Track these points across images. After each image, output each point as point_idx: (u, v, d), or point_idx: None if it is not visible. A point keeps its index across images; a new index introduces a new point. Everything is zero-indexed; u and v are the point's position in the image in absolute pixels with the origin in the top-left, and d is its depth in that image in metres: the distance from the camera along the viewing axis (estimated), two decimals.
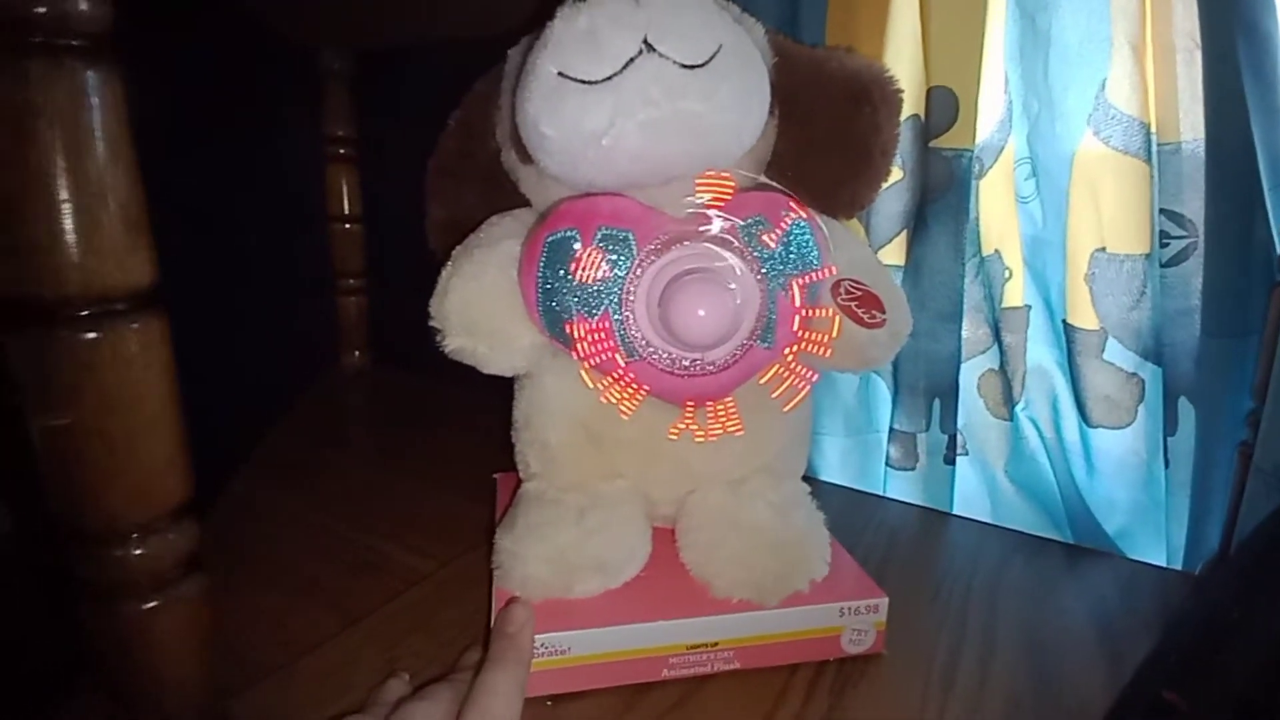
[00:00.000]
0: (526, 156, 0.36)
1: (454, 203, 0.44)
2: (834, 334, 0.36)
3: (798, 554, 0.39)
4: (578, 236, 0.34)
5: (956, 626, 0.42)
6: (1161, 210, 0.46)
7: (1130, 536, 0.52)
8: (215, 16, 0.61)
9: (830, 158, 0.39)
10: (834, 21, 0.53)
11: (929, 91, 0.50)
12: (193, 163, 0.56)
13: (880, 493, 0.59)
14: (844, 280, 0.38)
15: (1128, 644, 0.40)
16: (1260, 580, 0.34)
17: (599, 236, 0.34)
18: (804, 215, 0.35)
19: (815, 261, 0.36)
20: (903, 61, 0.51)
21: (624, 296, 0.35)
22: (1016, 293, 0.53)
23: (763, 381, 0.37)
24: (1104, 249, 0.48)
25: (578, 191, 0.36)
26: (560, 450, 0.40)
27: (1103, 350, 0.50)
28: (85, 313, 0.26)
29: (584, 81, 0.32)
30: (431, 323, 0.37)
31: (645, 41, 0.31)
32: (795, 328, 0.36)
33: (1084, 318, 0.50)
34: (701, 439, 0.37)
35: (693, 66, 0.32)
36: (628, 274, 0.35)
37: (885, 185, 0.41)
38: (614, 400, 0.36)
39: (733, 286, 0.35)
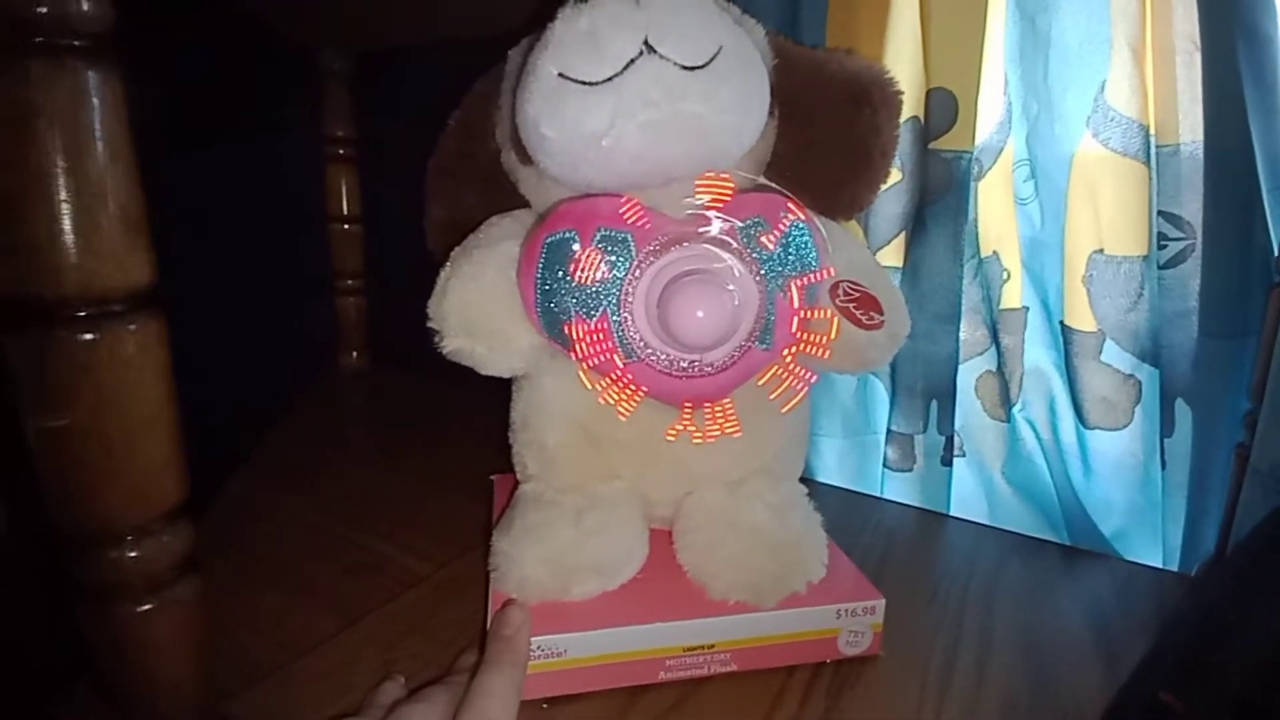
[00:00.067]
0: (526, 157, 0.36)
1: (453, 203, 0.44)
2: (832, 335, 0.36)
3: (795, 555, 0.39)
4: (577, 238, 0.34)
5: (953, 628, 0.42)
6: (1160, 212, 0.46)
7: (1127, 538, 0.52)
8: (215, 17, 0.61)
9: (830, 159, 0.39)
10: (834, 23, 0.53)
11: (928, 93, 0.51)
12: (192, 163, 0.56)
13: (878, 494, 0.59)
14: (842, 281, 0.38)
15: (1124, 645, 0.40)
16: (1257, 581, 0.34)
17: (598, 238, 0.34)
18: (803, 217, 0.35)
19: (814, 263, 0.36)
20: (902, 63, 0.51)
21: (622, 298, 0.35)
22: (1014, 294, 0.54)
23: (761, 383, 0.37)
24: (1102, 251, 0.48)
25: (577, 193, 0.36)
26: (558, 451, 0.40)
27: (1100, 352, 0.50)
28: (83, 313, 0.26)
29: (584, 82, 0.32)
30: (430, 323, 0.37)
31: (646, 43, 0.31)
32: (794, 329, 0.36)
33: (1082, 319, 0.50)
34: (699, 440, 0.37)
35: (693, 68, 0.32)
36: (626, 275, 0.35)
37: (884, 187, 0.41)
38: (612, 401, 0.36)
39: (731, 288, 0.35)
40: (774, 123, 0.38)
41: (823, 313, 0.36)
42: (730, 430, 0.37)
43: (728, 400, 0.37)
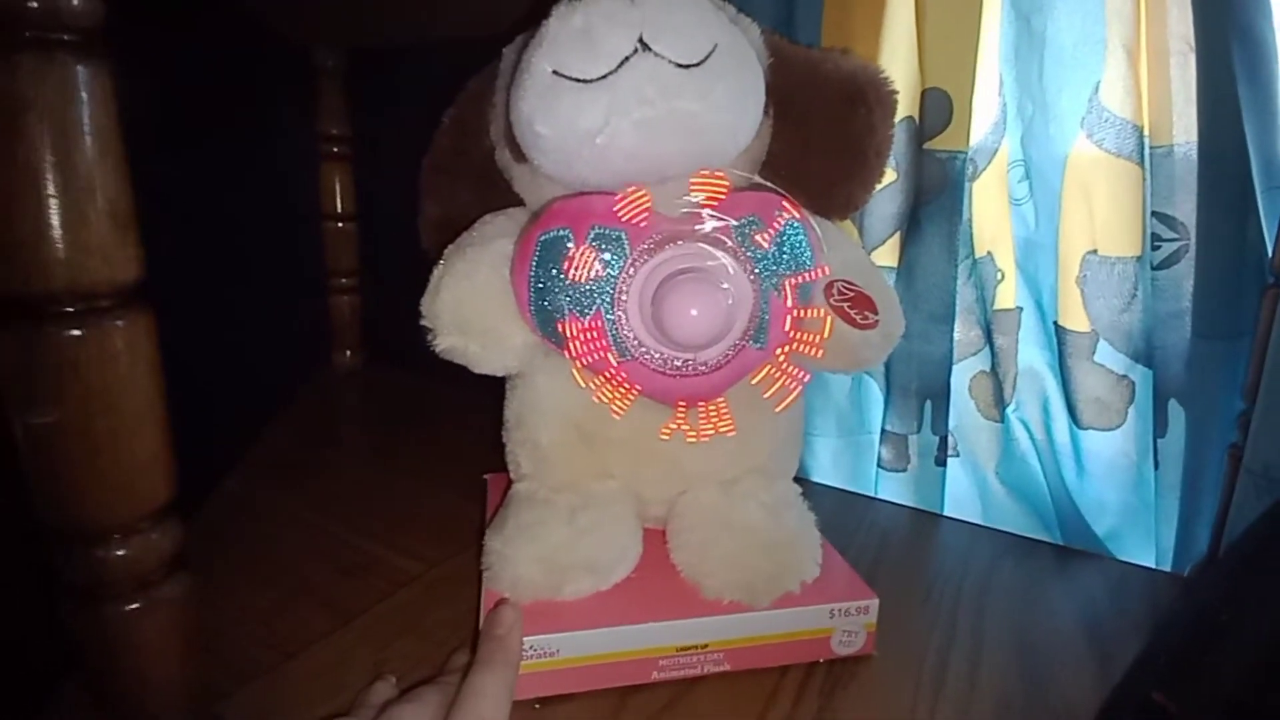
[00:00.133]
0: (520, 155, 0.36)
1: (448, 201, 0.44)
2: (826, 335, 0.36)
3: (789, 555, 0.39)
4: (570, 236, 0.34)
5: (947, 628, 0.42)
6: (1153, 213, 0.46)
7: (1120, 538, 0.52)
8: (209, 14, 0.61)
9: (825, 158, 0.39)
10: (829, 22, 0.53)
11: (923, 93, 0.51)
12: (185, 160, 0.55)
13: (872, 494, 0.59)
14: (837, 281, 0.38)
15: (1117, 645, 0.40)
16: (1250, 582, 0.34)
17: (592, 235, 0.34)
18: (797, 215, 0.35)
19: (808, 262, 0.36)
20: (898, 63, 0.51)
21: (616, 296, 0.35)
22: (1008, 295, 0.54)
23: (754, 382, 0.37)
24: (1096, 251, 0.48)
25: (572, 190, 0.36)
26: (552, 450, 0.40)
27: (1094, 352, 0.50)
28: (71, 309, 0.25)
29: (579, 80, 0.32)
30: (423, 321, 0.37)
31: (640, 40, 0.31)
32: (787, 328, 0.36)
33: (1075, 320, 0.50)
34: (694, 439, 0.37)
35: (688, 66, 0.32)
36: (620, 273, 0.35)
37: (879, 187, 0.41)
38: (606, 400, 0.36)
39: (725, 286, 0.35)
40: (769, 121, 0.38)
41: (816, 312, 0.36)
42: (724, 429, 0.37)
43: (722, 399, 0.37)
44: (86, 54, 0.25)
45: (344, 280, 0.81)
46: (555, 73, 0.32)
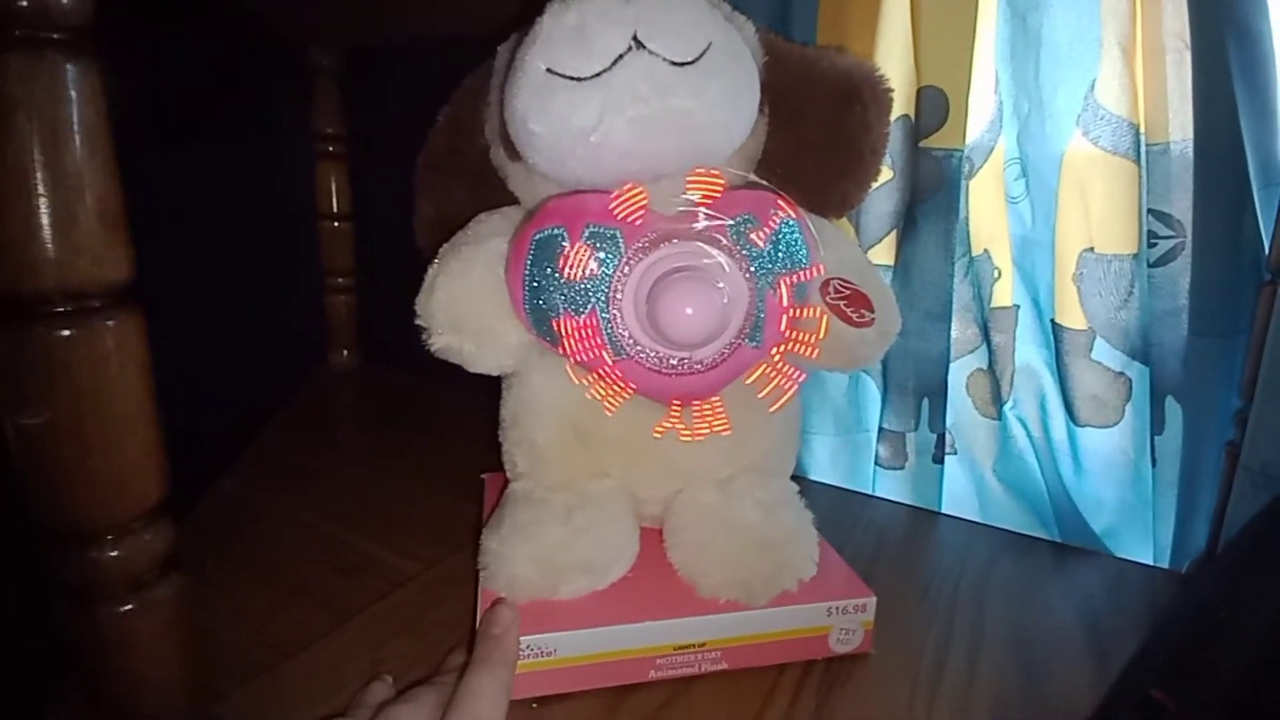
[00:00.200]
0: (515, 153, 0.36)
1: (443, 199, 0.44)
2: (821, 335, 0.36)
3: (786, 553, 0.38)
4: (565, 234, 0.34)
5: (944, 625, 0.42)
6: (1150, 210, 0.46)
7: (1117, 535, 0.52)
8: (206, 13, 0.61)
9: (821, 156, 0.39)
10: (825, 20, 0.52)
11: (919, 91, 0.50)
12: (181, 159, 0.55)
13: (869, 492, 0.59)
14: (833, 279, 0.38)
15: (1115, 643, 0.40)
16: (1248, 579, 0.34)
17: (587, 234, 0.34)
18: (793, 214, 0.35)
19: (804, 260, 0.35)
20: (893, 60, 0.51)
21: (611, 294, 0.35)
22: (1005, 292, 0.54)
23: (749, 381, 0.36)
24: (1092, 249, 0.48)
25: (566, 189, 0.36)
26: (548, 449, 0.40)
27: (1090, 350, 0.50)
28: (61, 309, 0.25)
29: (573, 78, 0.31)
30: (418, 320, 0.37)
31: (635, 38, 0.31)
32: (783, 328, 0.36)
33: (1072, 317, 0.50)
34: (688, 438, 0.37)
35: (682, 63, 0.32)
36: (615, 272, 0.35)
37: (875, 185, 0.41)
38: (598, 397, 0.36)
39: (721, 285, 0.34)
40: (764, 120, 0.38)
41: (812, 311, 0.36)
42: (719, 428, 0.37)
43: (717, 398, 0.37)
44: (76, 52, 0.25)
45: (340, 280, 0.81)
46: (549, 70, 0.32)
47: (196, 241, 0.58)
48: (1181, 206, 0.46)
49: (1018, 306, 0.54)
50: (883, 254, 0.55)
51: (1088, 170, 0.47)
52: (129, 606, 0.28)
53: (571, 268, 0.34)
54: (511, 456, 0.42)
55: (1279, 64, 0.42)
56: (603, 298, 0.35)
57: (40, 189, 0.24)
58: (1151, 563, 0.50)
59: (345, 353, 0.83)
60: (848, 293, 0.38)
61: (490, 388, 0.42)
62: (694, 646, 0.36)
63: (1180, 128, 0.45)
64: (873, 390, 0.59)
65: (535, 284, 0.35)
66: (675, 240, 0.34)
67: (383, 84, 0.76)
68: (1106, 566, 0.49)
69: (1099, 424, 0.51)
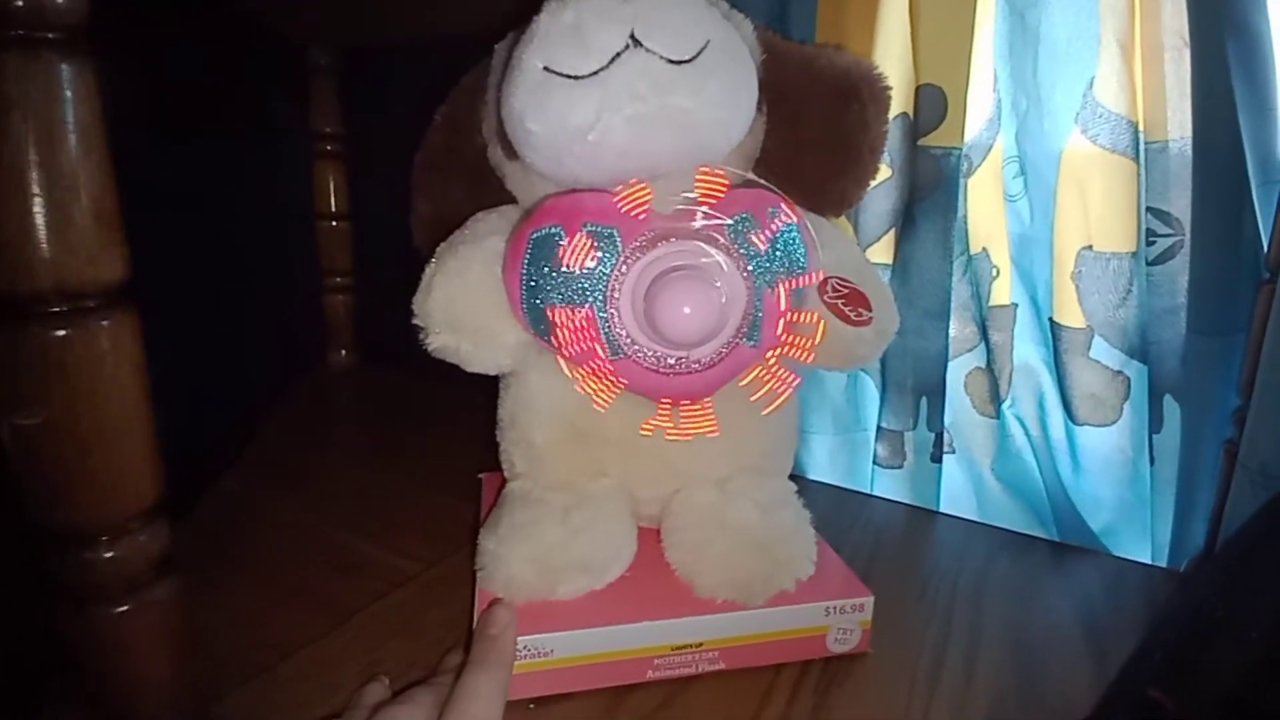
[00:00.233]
0: (512, 152, 0.36)
1: (440, 198, 0.44)
2: (818, 339, 0.36)
3: (784, 553, 0.38)
4: (562, 233, 0.34)
5: (942, 625, 0.42)
6: (1148, 208, 0.46)
7: (1116, 534, 0.52)
8: (202, 12, 0.60)
9: (819, 155, 0.39)
10: (823, 18, 0.52)
11: (918, 89, 0.50)
12: (178, 159, 0.55)
13: (867, 491, 0.59)
14: (831, 278, 0.37)
15: (1113, 642, 0.40)
16: (1246, 578, 0.34)
17: (584, 233, 0.34)
18: (795, 218, 0.35)
19: (803, 264, 0.35)
20: (892, 59, 0.51)
21: (609, 293, 0.35)
22: (1004, 291, 0.53)
23: (743, 384, 0.36)
24: (1091, 247, 0.48)
25: (564, 188, 0.36)
26: (546, 449, 0.40)
27: (1089, 348, 0.50)
28: (56, 309, 0.25)
29: (570, 76, 0.31)
30: (415, 320, 0.37)
31: (632, 36, 0.31)
32: (779, 332, 0.36)
33: (1070, 316, 0.50)
34: (674, 437, 0.37)
35: (680, 62, 0.32)
36: (613, 270, 0.34)
37: (873, 183, 0.41)
38: (590, 391, 0.36)
39: (718, 284, 0.34)
40: (762, 118, 0.38)
41: (809, 316, 0.36)
42: (707, 430, 0.37)
43: (708, 399, 0.37)
44: (71, 52, 0.25)
45: (338, 279, 0.81)
46: (546, 69, 0.32)
47: (194, 241, 0.58)
48: (1180, 204, 0.46)
49: (1016, 305, 0.54)
50: (881, 252, 0.55)
51: (1086, 168, 0.47)
52: (125, 607, 0.28)
53: (573, 256, 0.34)
54: (509, 456, 0.42)
55: (1278, 61, 0.42)
56: (600, 296, 0.35)
57: (35, 189, 0.24)
58: (1150, 561, 0.50)
59: (343, 352, 0.83)
60: (846, 291, 0.38)
61: (488, 387, 0.42)
62: (692, 646, 0.36)
63: (1179, 125, 0.45)
64: (871, 389, 0.59)
65: (533, 283, 0.34)
66: (673, 239, 0.34)
67: (381, 83, 0.76)
68: (1105, 565, 0.49)
69: (1097, 422, 0.51)
